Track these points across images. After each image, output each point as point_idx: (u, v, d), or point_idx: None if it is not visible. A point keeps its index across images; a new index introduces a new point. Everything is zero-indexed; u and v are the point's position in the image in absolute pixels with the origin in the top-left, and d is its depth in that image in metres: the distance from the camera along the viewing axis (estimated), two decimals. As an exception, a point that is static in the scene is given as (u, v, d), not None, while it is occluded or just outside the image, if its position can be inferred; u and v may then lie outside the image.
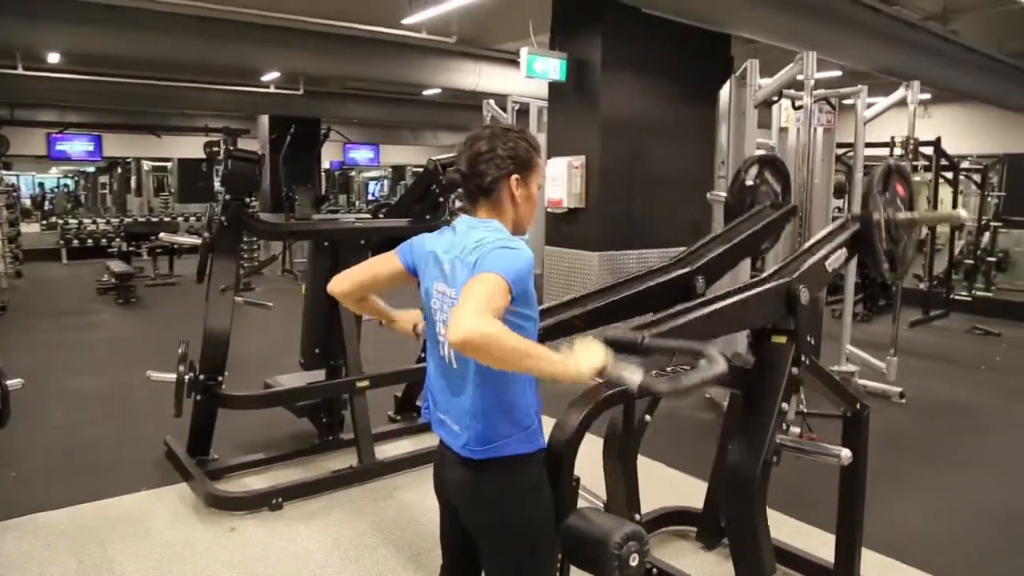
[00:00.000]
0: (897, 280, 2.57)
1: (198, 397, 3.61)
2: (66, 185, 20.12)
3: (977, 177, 9.72)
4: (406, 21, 6.07)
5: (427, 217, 4.12)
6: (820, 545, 2.97)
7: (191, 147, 15.39)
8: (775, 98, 4.78)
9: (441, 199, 4.10)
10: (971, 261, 9.34)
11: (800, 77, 4.23)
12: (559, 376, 1.48)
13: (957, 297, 8.84)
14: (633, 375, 1.50)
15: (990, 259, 9.36)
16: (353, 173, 21.77)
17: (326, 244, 3.84)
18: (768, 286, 2.19)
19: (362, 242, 3.93)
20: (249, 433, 4.32)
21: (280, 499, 3.51)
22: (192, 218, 14.87)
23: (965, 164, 9.69)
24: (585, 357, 1.50)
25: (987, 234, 9.69)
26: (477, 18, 6.36)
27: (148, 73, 9.50)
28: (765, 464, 2.15)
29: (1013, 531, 3.47)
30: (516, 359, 1.45)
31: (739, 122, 4.74)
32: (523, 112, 6.86)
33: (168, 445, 4.05)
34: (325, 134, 11.73)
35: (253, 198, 3.19)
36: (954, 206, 8.83)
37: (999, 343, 7.38)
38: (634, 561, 1.86)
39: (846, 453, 2.09)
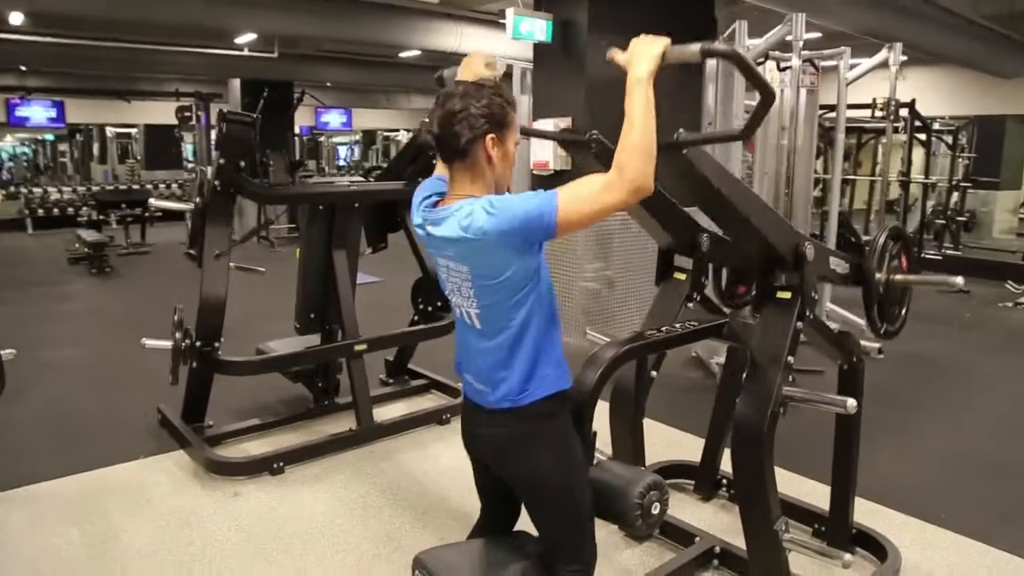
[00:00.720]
0: (883, 337, 2.66)
1: (194, 364, 3.58)
2: (24, 153, 19.47)
3: (948, 139, 9.91)
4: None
5: (420, 180, 4.08)
6: (806, 492, 3.09)
7: (158, 112, 14.96)
8: (761, 59, 4.80)
9: (434, 162, 4.06)
10: (942, 221, 9.56)
11: (789, 38, 4.25)
12: (649, 90, 1.59)
13: (928, 256, 9.06)
14: (693, 48, 1.64)
15: (960, 219, 9.59)
16: (322, 138, 21.38)
17: (320, 208, 3.80)
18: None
19: (356, 205, 3.90)
20: (240, 400, 4.30)
21: (281, 463, 3.53)
22: (162, 185, 14.51)
23: (936, 126, 9.87)
24: (644, 55, 1.62)
25: (955, 194, 9.93)
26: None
27: (116, 35, 9.16)
28: (773, 415, 2.23)
29: (990, 476, 3.64)
30: (648, 130, 1.55)
31: (727, 83, 4.76)
32: (506, 74, 6.78)
33: (162, 413, 4.02)
34: (299, 98, 11.48)
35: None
36: (926, 167, 8.99)
37: (969, 300, 7.59)
38: (655, 510, 1.93)
39: (852, 402, 2.15)
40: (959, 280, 2.43)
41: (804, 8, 4.74)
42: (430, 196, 1.76)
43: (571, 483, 1.79)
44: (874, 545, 2.79)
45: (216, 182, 3.39)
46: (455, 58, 8.63)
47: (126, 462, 3.62)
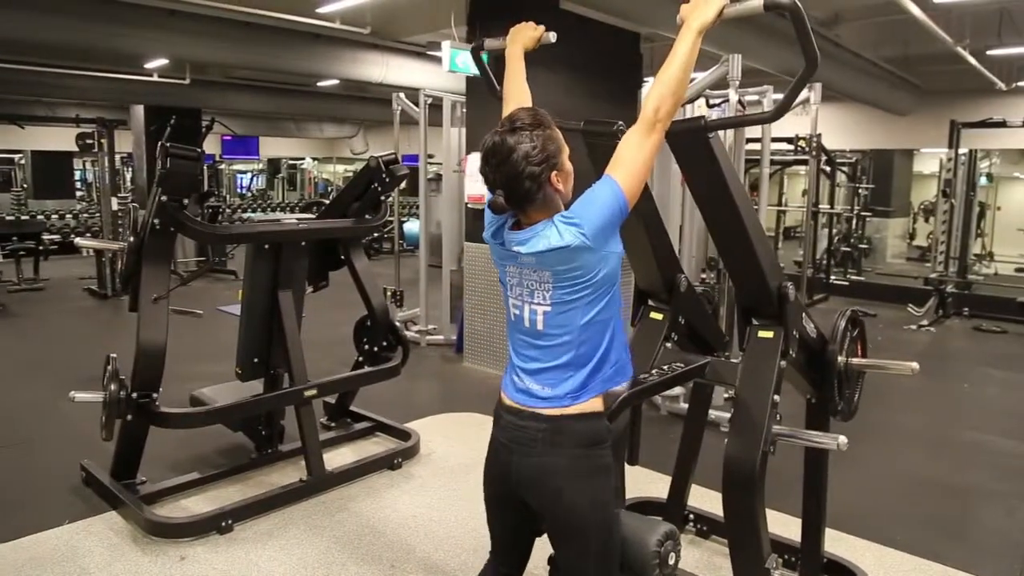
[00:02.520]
0: (840, 418, 2.74)
1: (129, 417, 3.29)
2: None
3: (848, 170, 10.59)
4: (321, 10, 5.80)
5: (367, 216, 3.96)
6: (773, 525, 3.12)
7: (50, 138, 14.03)
8: (695, 96, 4.96)
9: (383, 198, 3.95)
10: (847, 248, 10.16)
11: (728, 78, 4.41)
12: (697, 41, 1.68)
13: (835, 282, 9.57)
14: (755, 2, 1.68)
15: (862, 246, 10.22)
16: (223, 166, 20.63)
17: (266, 247, 3.61)
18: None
19: (303, 244, 3.74)
20: (174, 451, 4.00)
21: (229, 520, 3.28)
22: (54, 216, 13.54)
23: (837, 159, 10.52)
24: (704, 7, 1.68)
25: (854, 222, 10.60)
26: (388, 8, 6.18)
27: (7, 56, 8.52)
28: (764, 455, 2.24)
29: (929, 494, 3.83)
30: (685, 77, 1.67)
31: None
32: (436, 106, 6.74)
33: (86, 470, 3.68)
34: (208, 126, 11.02)
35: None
36: (831, 197, 9.54)
37: (877, 323, 8.05)
38: (672, 560, 1.90)
39: (843, 439, 2.20)
40: (915, 366, 2.51)
41: (731, 49, 4.93)
42: (505, 221, 1.78)
43: (611, 520, 1.78)
44: (846, 574, 2.86)
45: (156, 220, 3.16)
46: (380, 89, 8.53)
47: (52, 528, 3.26)
